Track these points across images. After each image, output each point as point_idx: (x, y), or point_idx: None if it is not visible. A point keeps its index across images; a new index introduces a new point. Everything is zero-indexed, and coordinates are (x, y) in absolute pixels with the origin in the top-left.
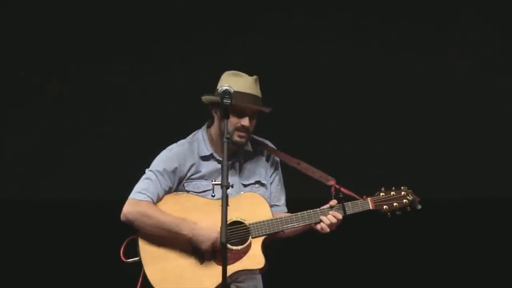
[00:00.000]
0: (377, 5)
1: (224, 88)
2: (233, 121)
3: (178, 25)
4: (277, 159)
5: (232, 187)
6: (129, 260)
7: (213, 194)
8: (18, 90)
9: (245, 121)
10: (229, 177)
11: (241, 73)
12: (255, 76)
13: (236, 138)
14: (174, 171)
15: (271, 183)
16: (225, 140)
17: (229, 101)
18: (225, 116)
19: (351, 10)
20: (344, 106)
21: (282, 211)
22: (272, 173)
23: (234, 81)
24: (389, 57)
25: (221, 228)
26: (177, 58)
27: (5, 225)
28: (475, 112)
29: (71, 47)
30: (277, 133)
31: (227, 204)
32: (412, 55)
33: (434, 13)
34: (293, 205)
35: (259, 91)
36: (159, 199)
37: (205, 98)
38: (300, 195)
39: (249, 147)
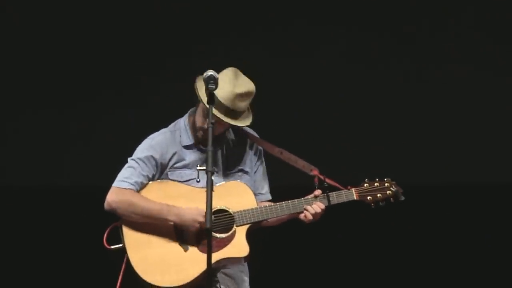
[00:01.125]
0: (374, 5)
1: (209, 73)
2: (201, 120)
3: (181, 28)
4: (261, 147)
5: (217, 172)
6: (112, 247)
7: (198, 180)
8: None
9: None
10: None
11: (239, 79)
12: (243, 91)
13: (198, 134)
14: (157, 159)
15: (255, 172)
16: (210, 125)
17: (214, 87)
18: (209, 102)
19: (349, 10)
20: (332, 98)
21: (266, 199)
22: (256, 162)
23: (221, 85)
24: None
25: (205, 213)
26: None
27: None
28: (461, 100)
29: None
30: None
31: (212, 190)
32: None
33: (428, 13)
34: (277, 193)
35: (240, 105)
36: (143, 187)
37: (199, 80)
38: (285, 183)
39: (231, 135)
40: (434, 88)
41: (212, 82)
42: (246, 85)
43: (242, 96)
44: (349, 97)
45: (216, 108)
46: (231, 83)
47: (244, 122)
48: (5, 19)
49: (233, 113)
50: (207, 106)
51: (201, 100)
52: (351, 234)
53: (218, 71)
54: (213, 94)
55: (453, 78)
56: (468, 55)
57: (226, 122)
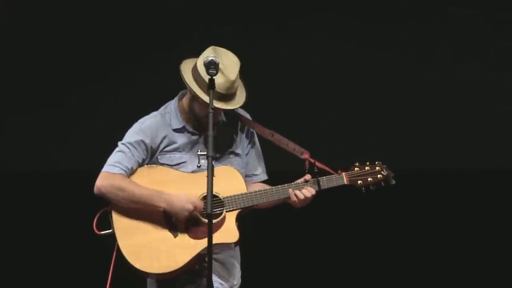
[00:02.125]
0: (367, 3)
1: (210, 58)
2: (198, 107)
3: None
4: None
5: (218, 158)
6: (102, 232)
7: (198, 165)
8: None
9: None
10: (202, 147)
11: (223, 58)
12: (235, 76)
13: (193, 122)
14: (147, 143)
15: (247, 154)
16: (210, 110)
17: (214, 72)
18: (210, 87)
19: (342, 9)
20: (326, 82)
21: (260, 180)
22: (248, 143)
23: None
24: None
25: (206, 198)
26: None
27: None
28: (454, 85)
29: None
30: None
31: (212, 175)
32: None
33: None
34: (269, 176)
35: (235, 86)
36: (133, 172)
37: (184, 65)
38: (277, 167)
39: (223, 117)
40: (427, 75)
41: (212, 67)
42: (233, 64)
43: (236, 78)
44: (343, 82)
45: (214, 97)
46: (222, 71)
47: (238, 101)
48: None
49: (227, 97)
50: (194, 92)
51: (188, 85)
52: (342, 220)
53: None
54: (213, 79)
55: (447, 65)
56: (460, 43)
57: (224, 110)
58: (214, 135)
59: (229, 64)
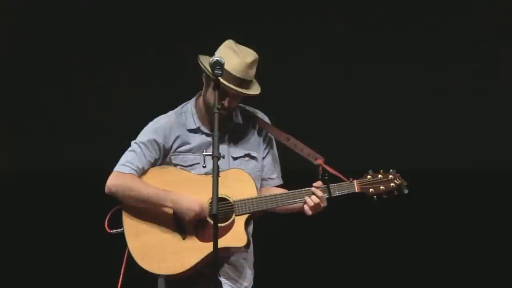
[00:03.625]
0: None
1: (216, 59)
2: (213, 97)
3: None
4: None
5: (223, 158)
6: (112, 231)
7: (204, 165)
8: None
9: (226, 102)
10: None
11: (241, 48)
12: (252, 59)
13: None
14: (159, 143)
15: (264, 157)
16: (215, 110)
17: (220, 72)
18: (215, 87)
19: (336, 7)
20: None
21: (276, 184)
22: (265, 148)
23: (228, 58)
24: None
25: (212, 199)
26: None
27: None
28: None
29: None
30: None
31: (218, 175)
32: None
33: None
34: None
35: (251, 74)
36: (144, 172)
37: (202, 58)
38: (292, 168)
39: (239, 120)
40: (442, 78)
41: (218, 68)
42: (250, 53)
43: (252, 63)
44: (361, 86)
45: (228, 81)
46: (238, 54)
47: (256, 90)
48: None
49: (246, 83)
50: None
51: (208, 72)
52: (353, 224)
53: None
54: (219, 79)
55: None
56: (461, 43)
57: (240, 93)
58: (219, 134)
59: (245, 50)
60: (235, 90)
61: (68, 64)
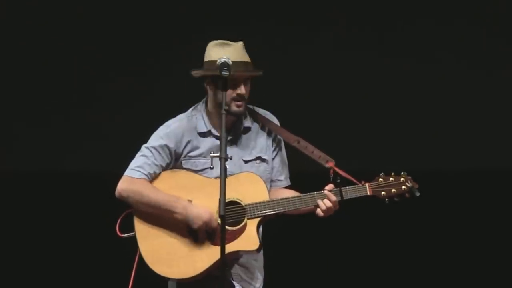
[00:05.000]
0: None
1: (223, 60)
2: (228, 92)
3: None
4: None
5: (231, 159)
6: (124, 234)
7: (211, 167)
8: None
9: (241, 90)
10: (228, 152)
11: (226, 41)
12: (241, 42)
13: (234, 108)
14: (171, 148)
15: (273, 158)
16: (223, 112)
17: (227, 73)
18: (223, 88)
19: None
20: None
21: (284, 185)
22: (275, 148)
23: (224, 51)
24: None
25: (219, 200)
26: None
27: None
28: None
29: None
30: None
31: (225, 176)
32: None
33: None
34: (295, 180)
35: (247, 56)
36: (155, 177)
37: (196, 72)
38: (303, 169)
39: (249, 122)
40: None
41: (225, 69)
42: (233, 41)
43: (243, 46)
44: (361, 86)
45: (234, 71)
46: (227, 44)
47: (259, 71)
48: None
49: (248, 65)
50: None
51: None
52: (362, 226)
53: None
54: (226, 79)
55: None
56: (461, 44)
57: (250, 75)
58: (226, 136)
59: (227, 41)
60: (245, 74)
61: (72, 65)
